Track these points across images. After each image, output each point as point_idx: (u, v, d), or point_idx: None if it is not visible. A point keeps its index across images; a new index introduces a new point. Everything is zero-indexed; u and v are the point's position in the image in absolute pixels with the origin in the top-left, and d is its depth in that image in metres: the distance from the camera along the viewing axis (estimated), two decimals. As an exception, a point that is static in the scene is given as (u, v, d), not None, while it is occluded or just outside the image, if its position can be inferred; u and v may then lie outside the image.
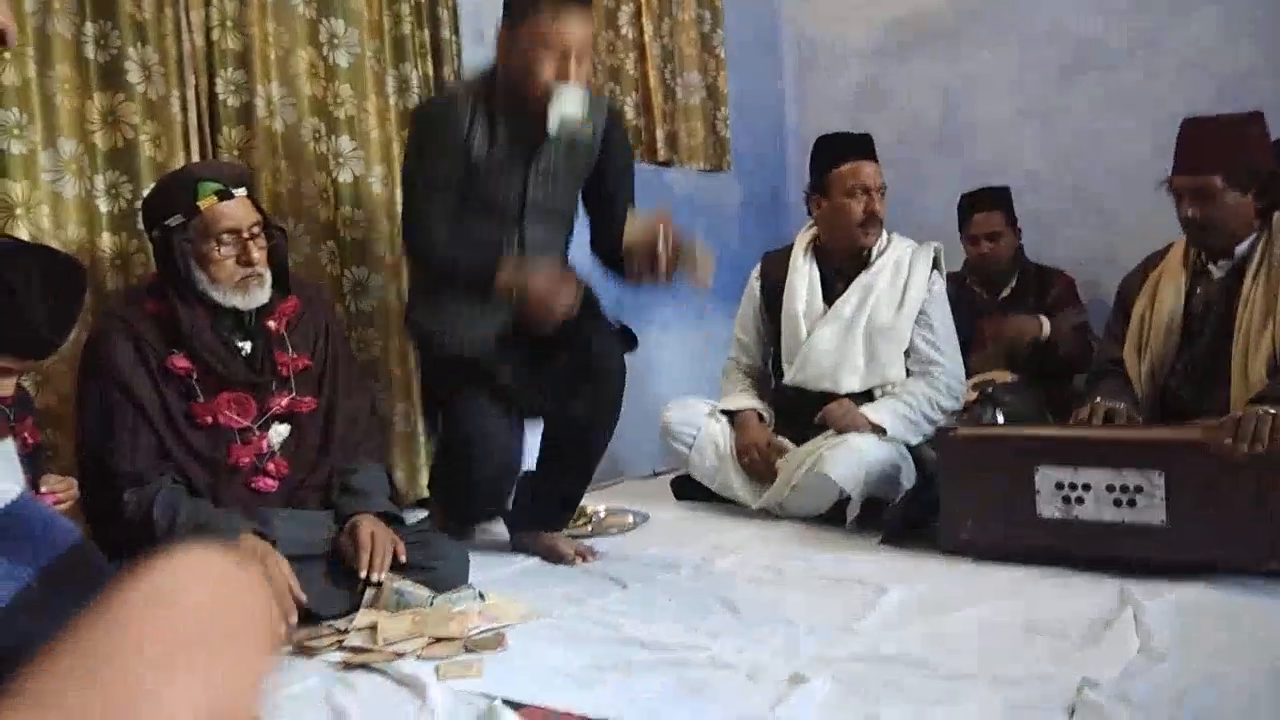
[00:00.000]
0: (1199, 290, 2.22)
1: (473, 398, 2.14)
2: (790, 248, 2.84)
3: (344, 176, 2.57)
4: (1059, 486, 1.98)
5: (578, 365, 2.16)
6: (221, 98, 2.35)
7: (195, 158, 2.30)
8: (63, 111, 2.07)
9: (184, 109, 2.29)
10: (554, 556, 2.21)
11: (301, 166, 2.48)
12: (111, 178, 2.16)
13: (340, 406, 1.96)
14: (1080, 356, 2.97)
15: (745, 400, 2.79)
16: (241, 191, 1.84)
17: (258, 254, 1.82)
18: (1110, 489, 1.92)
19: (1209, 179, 2.10)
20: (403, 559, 1.80)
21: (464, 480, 2.19)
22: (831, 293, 2.72)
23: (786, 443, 2.64)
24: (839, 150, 2.68)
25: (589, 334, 2.18)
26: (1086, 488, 1.95)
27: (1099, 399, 2.18)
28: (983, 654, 1.52)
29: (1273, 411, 1.79)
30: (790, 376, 2.73)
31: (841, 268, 2.72)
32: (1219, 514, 1.81)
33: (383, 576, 1.75)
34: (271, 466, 1.84)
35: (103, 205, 2.14)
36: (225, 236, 1.80)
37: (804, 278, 2.74)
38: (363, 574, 1.75)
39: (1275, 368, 2.02)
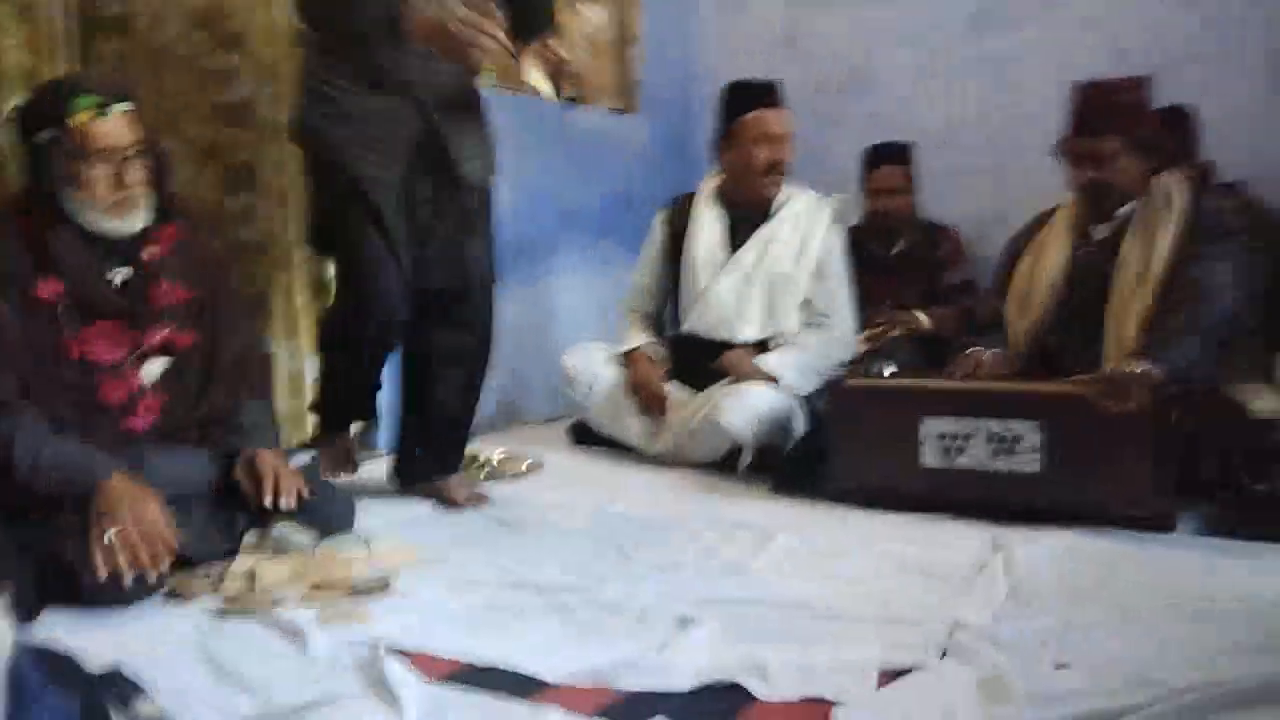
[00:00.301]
0: (1080, 251, 2.30)
1: (367, 233, 2.00)
2: (694, 195, 2.82)
3: (231, 96, 2.42)
4: (941, 437, 2.04)
5: (450, 268, 2.10)
6: (98, 4, 2.18)
7: (65, 69, 2.13)
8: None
9: (64, 13, 2.10)
10: (447, 501, 2.18)
11: (184, 83, 2.33)
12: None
13: (223, 342, 1.85)
14: (961, 329, 3.06)
15: (638, 340, 2.79)
16: (122, 107, 1.69)
17: (135, 176, 1.69)
18: (990, 439, 1.99)
19: (1109, 143, 2.15)
20: (305, 494, 1.74)
21: (356, 317, 2.07)
22: (734, 241, 2.74)
23: (667, 388, 2.67)
24: (746, 98, 2.67)
25: (466, 231, 2.11)
26: (968, 438, 2.02)
27: (971, 351, 2.27)
28: (864, 597, 1.57)
29: (1138, 369, 1.88)
30: (688, 324, 2.75)
31: (746, 216, 2.73)
32: (1091, 464, 1.90)
33: (290, 504, 1.70)
34: (144, 405, 1.74)
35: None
36: (100, 156, 1.66)
37: (706, 226, 2.75)
38: (267, 502, 1.69)
39: (1148, 327, 2.11)
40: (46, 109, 1.66)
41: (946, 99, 3.65)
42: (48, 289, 1.66)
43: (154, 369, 1.76)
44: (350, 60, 1.94)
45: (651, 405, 2.66)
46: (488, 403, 3.14)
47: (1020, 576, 1.63)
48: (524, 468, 2.54)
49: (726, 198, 2.76)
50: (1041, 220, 2.42)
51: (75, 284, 1.68)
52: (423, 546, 1.83)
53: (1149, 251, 2.15)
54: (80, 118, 1.65)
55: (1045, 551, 1.78)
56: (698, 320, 2.72)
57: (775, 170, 2.65)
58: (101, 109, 1.66)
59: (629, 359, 2.75)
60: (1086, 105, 2.20)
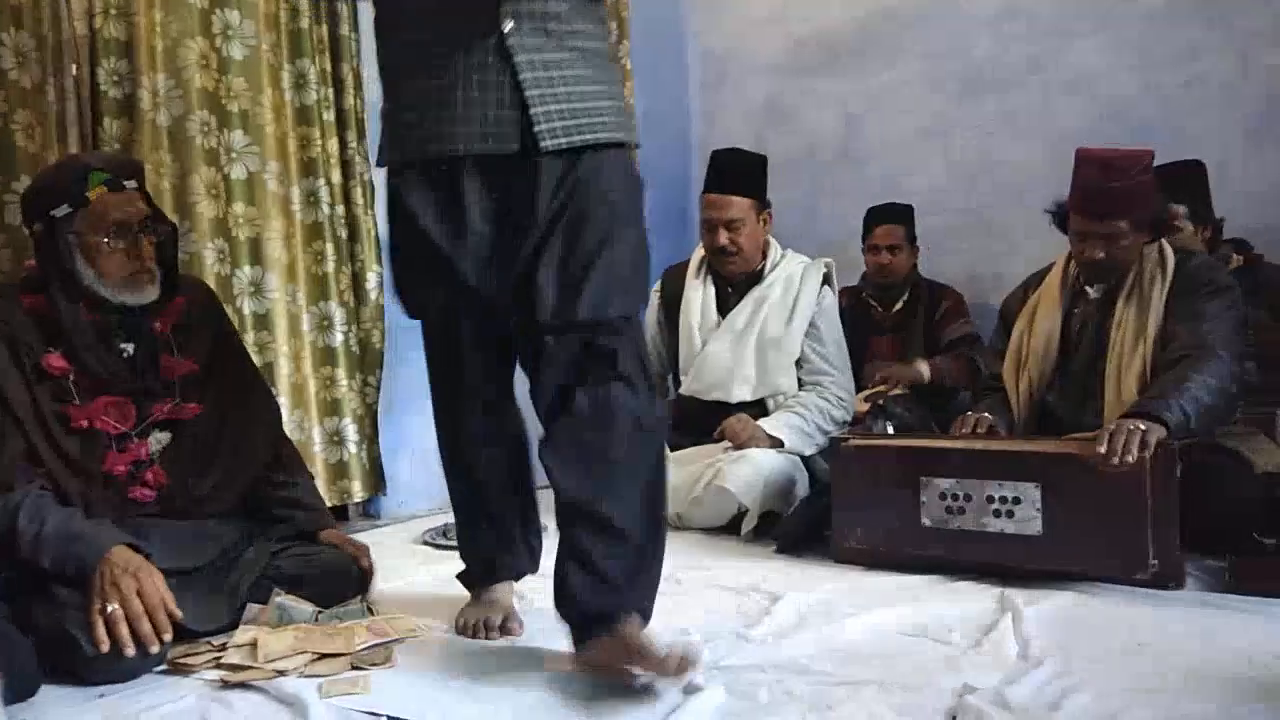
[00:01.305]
0: (1076, 311, 2.32)
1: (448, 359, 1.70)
2: (686, 264, 2.89)
3: (236, 172, 2.48)
4: (942, 496, 2.04)
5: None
6: (103, 89, 2.24)
7: (72, 150, 2.18)
8: (-75, 96, 1.94)
9: (60, 98, 2.17)
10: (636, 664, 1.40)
11: (188, 161, 2.38)
12: (-22, 167, 2.03)
13: (232, 414, 1.87)
14: (965, 377, 3.08)
15: None
16: (133, 184, 1.75)
17: (148, 250, 1.74)
18: (990, 500, 1.99)
19: (1118, 226, 2.15)
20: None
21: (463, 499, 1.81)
22: (725, 306, 2.79)
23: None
24: (708, 175, 2.74)
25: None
26: (968, 498, 2.01)
27: (971, 413, 2.27)
28: (871, 659, 1.55)
29: (1142, 427, 1.88)
30: (686, 386, 2.79)
31: (735, 283, 2.78)
32: (1092, 526, 1.89)
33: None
34: (149, 475, 1.74)
35: (-32, 196, 2.01)
36: (115, 230, 1.70)
37: (698, 292, 2.80)
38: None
39: (1146, 385, 2.13)
40: (63, 185, 1.71)
41: (938, 161, 3.72)
42: (57, 361, 1.69)
43: (158, 440, 1.77)
44: None
45: None
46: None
47: (1029, 637, 1.61)
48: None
49: (713, 267, 2.81)
50: (1035, 281, 2.45)
51: (84, 357, 1.70)
52: (424, 615, 1.81)
53: (1145, 310, 2.17)
54: (95, 192, 1.69)
55: (1053, 611, 1.76)
56: (694, 382, 2.76)
57: (719, 253, 2.71)
58: (115, 184, 1.71)
59: None
60: (1096, 187, 2.15)
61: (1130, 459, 1.85)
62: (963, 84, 3.66)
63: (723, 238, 2.69)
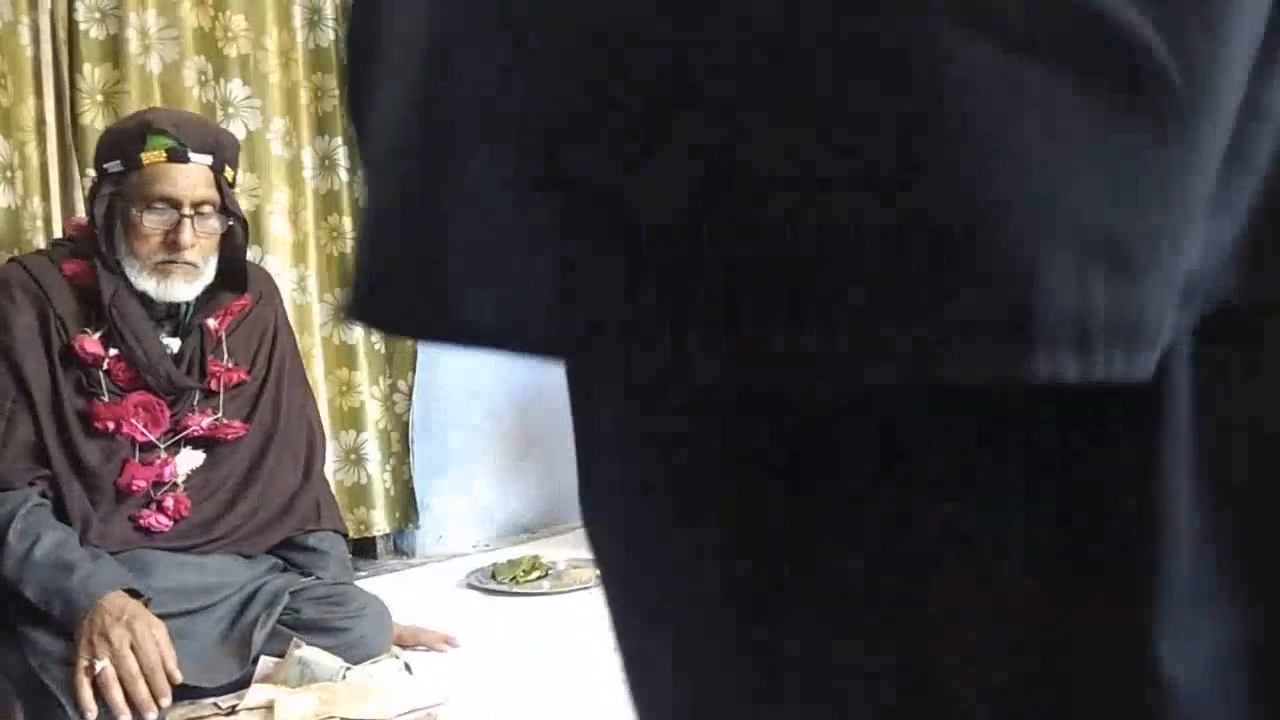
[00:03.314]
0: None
1: None
2: None
3: (234, 130, 2.48)
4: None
5: None
6: (83, 27, 2.26)
7: (49, 101, 2.21)
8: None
9: (35, 40, 2.19)
10: None
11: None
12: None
13: (277, 441, 1.89)
14: None
15: None
16: (204, 159, 1.76)
17: (189, 238, 1.74)
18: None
19: None
20: None
21: None
22: None
23: None
24: None
25: None
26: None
27: None
28: None
29: None
30: None
31: None
32: None
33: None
34: (169, 501, 1.76)
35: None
36: (159, 204, 1.72)
37: None
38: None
39: None
40: (123, 139, 1.75)
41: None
42: (90, 346, 1.71)
43: (190, 461, 1.78)
44: None
45: None
46: (544, 496, 3.14)
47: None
48: (592, 575, 2.50)
49: None
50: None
51: (123, 345, 1.72)
52: (472, 670, 1.81)
53: None
54: (151, 155, 1.70)
55: None
56: None
57: None
58: (180, 154, 1.72)
59: None
60: None
61: None
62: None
63: None
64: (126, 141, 1.74)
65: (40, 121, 2.18)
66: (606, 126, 0.27)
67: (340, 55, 2.66)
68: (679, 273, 0.26)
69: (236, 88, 2.49)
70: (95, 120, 2.24)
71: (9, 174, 2.10)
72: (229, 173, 1.83)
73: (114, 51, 2.29)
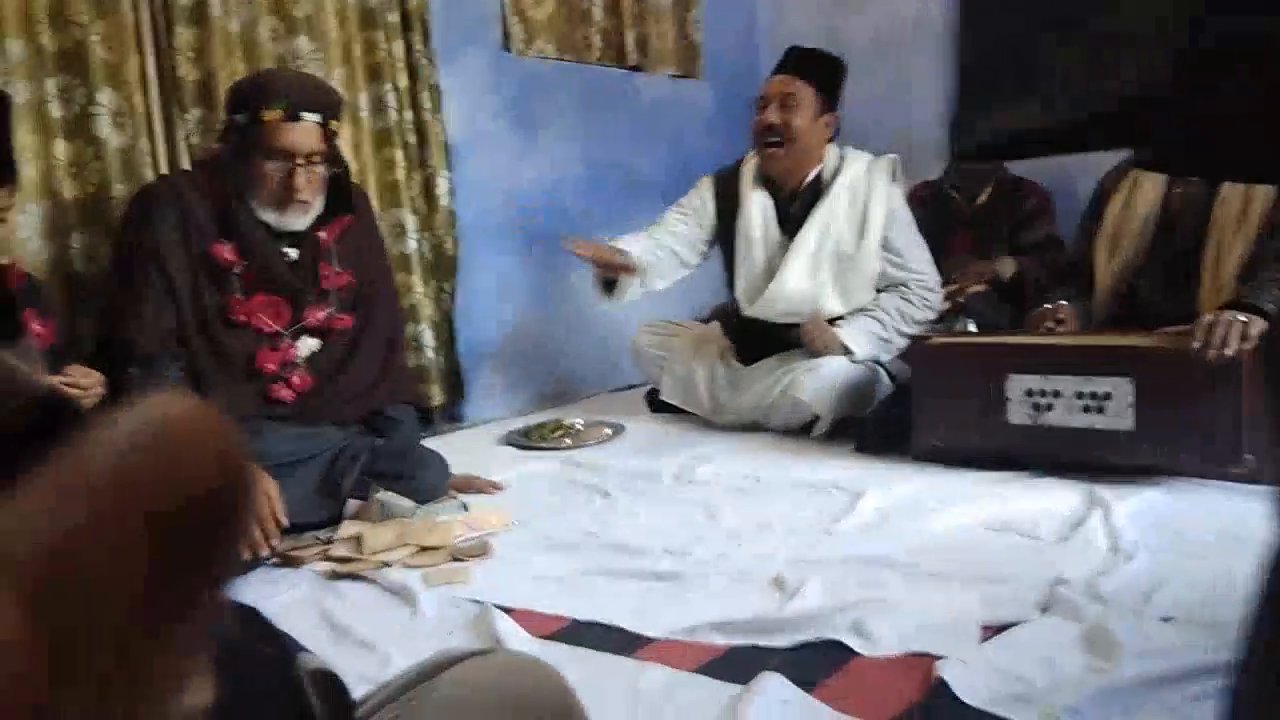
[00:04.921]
0: (1177, 190, 2.23)
1: None
2: (737, 171, 2.73)
3: (305, 80, 2.49)
4: (1029, 394, 2.02)
5: None
6: (174, -6, 2.25)
7: (149, 60, 2.21)
8: (7, 7, 1.97)
9: (135, 7, 2.18)
10: None
11: (261, 67, 2.39)
12: (64, 81, 2.07)
13: (372, 329, 1.96)
14: (1049, 278, 3.01)
15: (629, 244, 2.61)
16: (314, 117, 1.80)
17: (303, 183, 1.80)
18: (1079, 395, 1.97)
19: None
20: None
21: None
22: (786, 220, 2.63)
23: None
24: (775, 66, 2.62)
25: None
26: (1056, 394, 2.00)
27: (1048, 306, 2.22)
28: (959, 555, 1.57)
29: (1243, 319, 1.84)
30: (755, 309, 2.66)
31: (795, 193, 2.62)
32: (1186, 420, 1.87)
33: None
34: (295, 378, 1.84)
35: (56, 110, 2.05)
36: (277, 155, 1.78)
37: (757, 205, 2.65)
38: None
39: (1246, 272, 2.06)
40: (250, 96, 1.79)
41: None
42: (226, 252, 1.78)
43: (308, 345, 1.87)
44: None
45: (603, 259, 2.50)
46: (562, 372, 3.22)
47: (1119, 531, 1.62)
48: (607, 432, 2.58)
49: (768, 177, 2.66)
50: (1132, 161, 2.36)
51: (251, 253, 1.79)
52: (516, 510, 1.88)
53: (1251, 190, 2.08)
54: (270, 114, 1.75)
55: (1143, 506, 1.76)
56: (766, 308, 2.62)
57: (768, 132, 2.53)
58: (291, 115, 1.75)
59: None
60: None
61: (1229, 352, 1.82)
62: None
63: (772, 114, 2.52)
64: (251, 99, 1.78)
65: (142, 75, 2.19)
66: None
67: (384, 14, 2.64)
68: None
69: (303, 43, 2.48)
70: (188, 74, 2.25)
71: (120, 119, 2.12)
72: (334, 125, 1.86)
73: (200, 15, 2.28)
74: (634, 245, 2.61)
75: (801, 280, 2.58)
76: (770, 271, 2.62)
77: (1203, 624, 1.26)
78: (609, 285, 2.55)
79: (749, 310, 2.68)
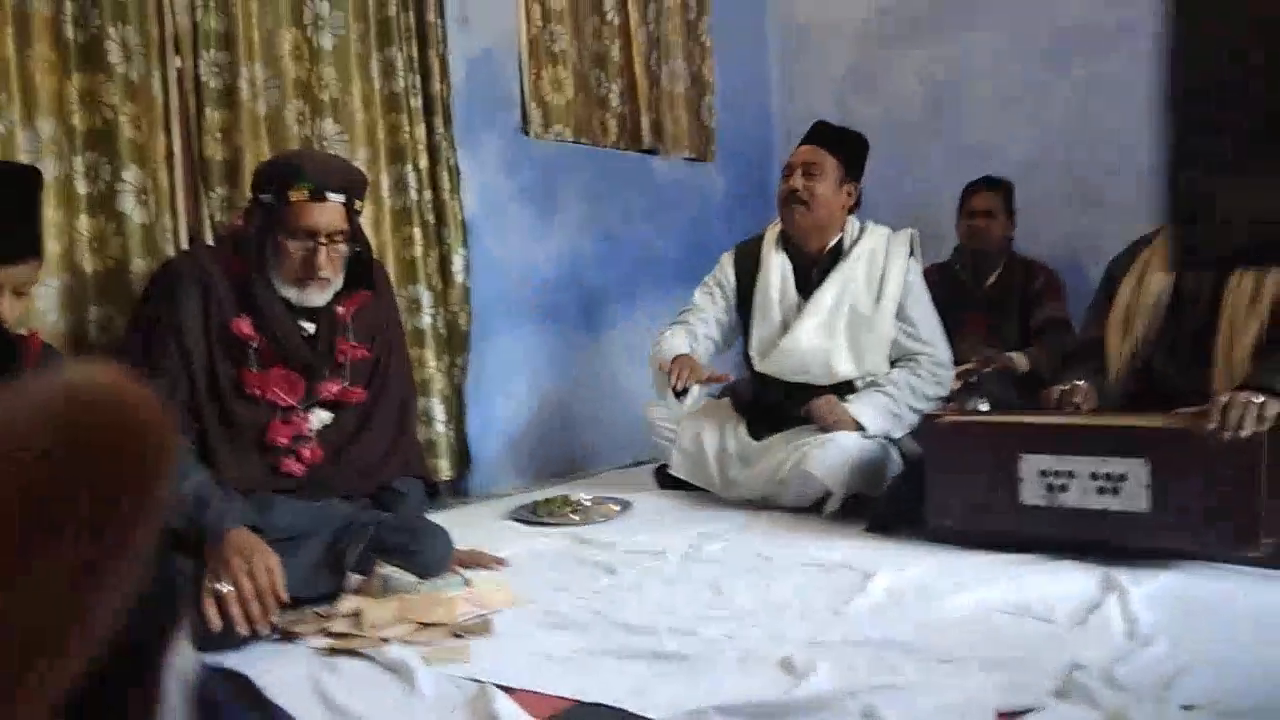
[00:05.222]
0: (1189, 271, 2.22)
1: None
2: (760, 239, 2.80)
3: (328, 160, 2.55)
4: (1043, 474, 1.99)
5: None
6: (204, 79, 2.32)
7: (176, 140, 2.27)
8: (42, 91, 2.03)
9: (165, 89, 2.25)
10: None
11: (287, 148, 2.45)
12: (90, 159, 2.12)
13: (384, 402, 1.97)
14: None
15: (680, 343, 2.66)
16: (339, 198, 1.83)
17: (325, 261, 1.82)
18: (1094, 477, 1.94)
19: None
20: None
21: None
22: (805, 284, 2.68)
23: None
24: (802, 139, 2.70)
25: None
26: (1071, 475, 1.96)
27: (1061, 385, 2.20)
28: (972, 637, 1.53)
29: (1258, 399, 1.81)
30: (766, 367, 2.67)
31: (815, 259, 2.68)
32: (1201, 503, 1.83)
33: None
34: (306, 451, 1.85)
35: (81, 187, 2.10)
36: (301, 235, 1.80)
37: (776, 267, 2.70)
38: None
39: (1259, 351, 2.03)
40: (276, 176, 1.83)
41: (1029, 128, 3.62)
42: (245, 326, 1.80)
43: (321, 418, 1.88)
44: None
45: (684, 370, 2.48)
46: (571, 448, 3.20)
47: (1136, 616, 1.57)
48: (614, 509, 2.55)
49: (791, 242, 2.72)
50: (1143, 241, 2.36)
51: (269, 328, 1.81)
52: (520, 587, 1.85)
53: (1262, 272, 2.07)
54: (296, 194, 1.79)
55: (1160, 590, 1.71)
56: (777, 365, 2.64)
57: (792, 197, 2.60)
58: (317, 194, 1.80)
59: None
60: None
61: (1245, 433, 1.78)
62: (1050, 49, 3.55)
63: (796, 179, 2.60)
64: (278, 179, 1.81)
65: (168, 154, 2.25)
66: None
67: (409, 99, 2.72)
68: None
69: (329, 125, 2.55)
70: (215, 153, 2.31)
71: (143, 196, 2.16)
72: (358, 205, 1.90)
73: (230, 98, 2.35)
74: (680, 342, 2.66)
75: (814, 338, 2.60)
76: (785, 328, 2.65)
77: (1226, 713, 1.20)
78: (681, 393, 2.53)
79: (760, 365, 2.69)
